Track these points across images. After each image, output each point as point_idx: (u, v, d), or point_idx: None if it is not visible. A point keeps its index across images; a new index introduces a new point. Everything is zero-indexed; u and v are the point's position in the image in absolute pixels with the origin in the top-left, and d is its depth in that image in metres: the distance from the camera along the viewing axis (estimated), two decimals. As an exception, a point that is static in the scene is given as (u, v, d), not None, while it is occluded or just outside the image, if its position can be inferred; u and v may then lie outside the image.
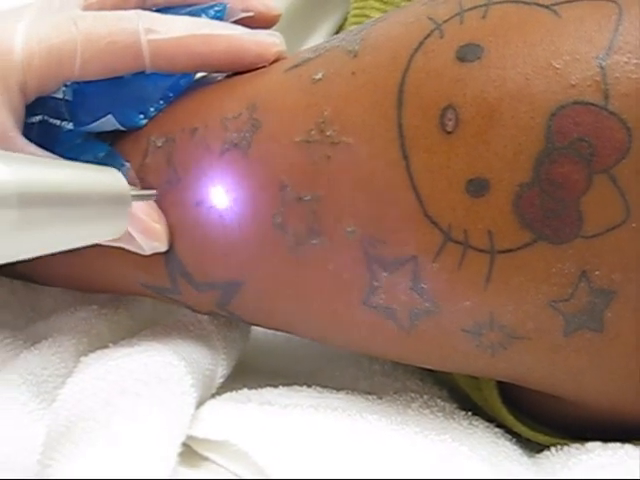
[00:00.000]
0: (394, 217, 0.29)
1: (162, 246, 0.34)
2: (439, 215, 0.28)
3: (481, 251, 0.28)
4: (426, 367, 0.34)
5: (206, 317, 0.36)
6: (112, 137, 0.35)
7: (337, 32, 0.52)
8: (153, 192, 0.33)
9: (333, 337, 0.34)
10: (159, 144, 0.34)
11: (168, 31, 0.33)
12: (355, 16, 0.44)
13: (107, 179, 0.30)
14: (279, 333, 0.41)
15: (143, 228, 0.33)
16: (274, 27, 0.49)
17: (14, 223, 0.24)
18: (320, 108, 0.30)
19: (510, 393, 0.34)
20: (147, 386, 0.30)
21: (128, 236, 0.33)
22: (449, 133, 0.27)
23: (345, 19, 0.50)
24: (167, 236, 0.33)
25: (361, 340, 0.33)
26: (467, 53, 0.28)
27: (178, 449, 0.29)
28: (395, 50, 0.29)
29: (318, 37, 0.52)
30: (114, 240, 0.33)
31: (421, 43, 0.29)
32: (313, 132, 0.30)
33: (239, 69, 0.34)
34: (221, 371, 0.35)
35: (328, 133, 0.30)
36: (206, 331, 0.36)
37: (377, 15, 0.42)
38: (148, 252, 0.34)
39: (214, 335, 0.36)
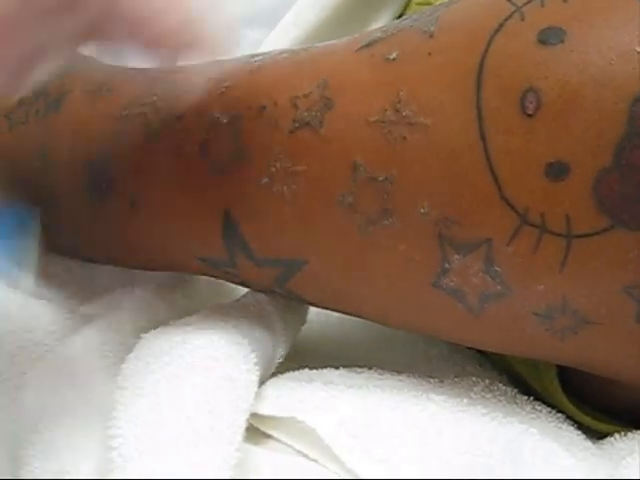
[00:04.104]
0: (470, 199, 0.29)
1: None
2: (516, 198, 0.28)
3: (558, 235, 0.28)
4: (489, 350, 0.34)
5: (265, 298, 0.36)
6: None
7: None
8: None
9: (397, 317, 0.34)
10: (225, 120, 0.34)
11: None
12: (419, 4, 0.44)
13: None
14: (331, 319, 0.41)
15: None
16: (330, 21, 0.48)
17: None
18: (396, 88, 0.30)
19: (570, 382, 0.34)
20: (217, 362, 0.31)
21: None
22: (529, 116, 0.27)
23: (404, 10, 0.50)
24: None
25: (426, 321, 0.33)
26: (549, 36, 0.28)
27: (245, 424, 0.30)
28: (474, 31, 0.29)
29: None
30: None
31: (501, 25, 0.29)
32: (388, 112, 0.30)
33: None
34: (280, 352, 0.35)
35: (404, 113, 0.30)
36: (265, 311, 0.36)
37: None
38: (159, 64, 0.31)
39: (273, 316, 0.36)
